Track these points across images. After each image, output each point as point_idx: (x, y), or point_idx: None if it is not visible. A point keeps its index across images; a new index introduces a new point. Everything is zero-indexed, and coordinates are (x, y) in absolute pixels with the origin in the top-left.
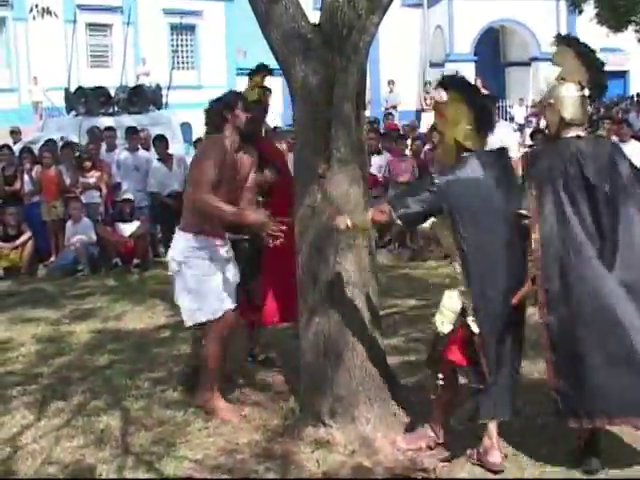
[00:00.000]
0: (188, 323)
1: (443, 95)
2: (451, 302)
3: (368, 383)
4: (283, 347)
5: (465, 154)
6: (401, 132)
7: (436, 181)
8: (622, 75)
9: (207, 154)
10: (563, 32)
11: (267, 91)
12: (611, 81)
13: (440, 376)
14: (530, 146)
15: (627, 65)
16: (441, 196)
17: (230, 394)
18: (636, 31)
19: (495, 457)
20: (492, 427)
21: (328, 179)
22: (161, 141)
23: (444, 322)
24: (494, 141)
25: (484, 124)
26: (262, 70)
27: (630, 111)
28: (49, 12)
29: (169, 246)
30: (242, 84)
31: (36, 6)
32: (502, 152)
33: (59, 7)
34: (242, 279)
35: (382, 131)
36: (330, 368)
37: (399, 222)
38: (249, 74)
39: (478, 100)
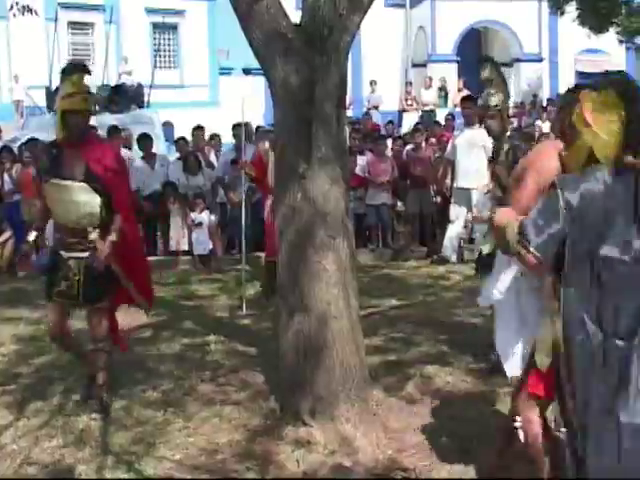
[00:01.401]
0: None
1: (593, 95)
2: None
3: (348, 383)
4: (263, 346)
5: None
6: (382, 132)
7: (564, 195)
8: None
9: None
10: (545, 33)
11: (90, 94)
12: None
13: (517, 418)
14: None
15: (608, 66)
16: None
17: (211, 394)
18: (617, 32)
19: None
20: None
21: (308, 179)
22: (146, 140)
23: (543, 357)
24: (474, 140)
25: (633, 141)
26: (80, 70)
27: None
28: (30, 10)
29: (150, 245)
30: (225, 84)
31: (16, 4)
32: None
33: (40, 5)
34: (90, 297)
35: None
36: (310, 368)
37: (537, 254)
38: (62, 72)
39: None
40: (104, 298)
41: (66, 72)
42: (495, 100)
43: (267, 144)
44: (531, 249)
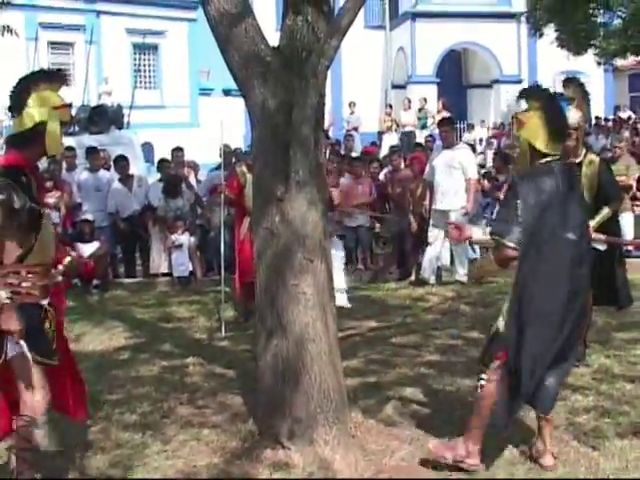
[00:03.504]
0: None
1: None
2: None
3: (326, 405)
4: (242, 368)
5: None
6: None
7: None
8: None
9: None
10: (524, 55)
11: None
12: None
13: (484, 376)
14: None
15: (587, 88)
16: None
17: (189, 417)
18: (595, 54)
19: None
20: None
21: (286, 201)
22: (121, 162)
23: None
24: (453, 162)
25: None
26: (59, 78)
27: (590, 133)
28: (10, 30)
29: (129, 267)
30: (205, 105)
31: None
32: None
33: (20, 25)
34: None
35: (343, 153)
36: (288, 390)
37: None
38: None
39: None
40: None
41: (35, 81)
42: (573, 119)
43: (244, 166)
44: (508, 244)
